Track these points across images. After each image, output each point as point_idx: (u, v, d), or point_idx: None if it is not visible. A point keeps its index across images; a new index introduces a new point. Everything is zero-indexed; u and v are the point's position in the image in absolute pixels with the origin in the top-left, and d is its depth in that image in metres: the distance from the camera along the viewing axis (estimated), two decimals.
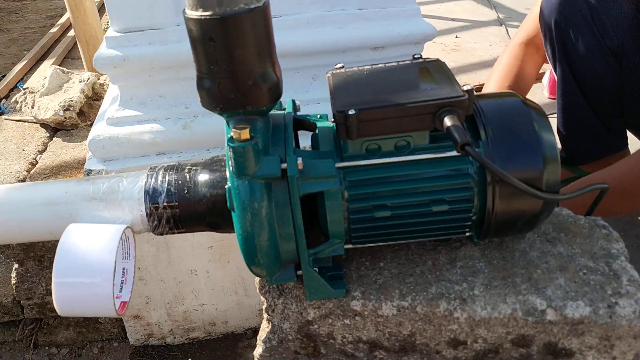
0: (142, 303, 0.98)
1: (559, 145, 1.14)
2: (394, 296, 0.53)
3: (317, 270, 0.52)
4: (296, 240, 0.49)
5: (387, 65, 0.52)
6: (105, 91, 1.26)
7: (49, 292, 1.04)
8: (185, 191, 0.53)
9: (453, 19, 2.29)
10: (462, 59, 1.91)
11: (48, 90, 1.25)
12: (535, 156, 0.47)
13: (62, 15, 2.31)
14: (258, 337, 0.61)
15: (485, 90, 1.07)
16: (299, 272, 0.53)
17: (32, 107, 1.26)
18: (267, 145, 0.48)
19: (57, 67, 1.31)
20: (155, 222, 0.55)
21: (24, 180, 1.11)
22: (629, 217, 1.15)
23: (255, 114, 0.47)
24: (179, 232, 0.56)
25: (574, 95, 1.01)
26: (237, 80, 0.44)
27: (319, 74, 0.80)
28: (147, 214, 0.54)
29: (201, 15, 0.41)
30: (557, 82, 1.04)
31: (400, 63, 0.52)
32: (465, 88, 0.45)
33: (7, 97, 1.56)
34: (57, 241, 0.53)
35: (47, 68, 1.42)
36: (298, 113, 0.55)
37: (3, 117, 1.39)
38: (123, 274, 0.58)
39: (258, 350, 0.60)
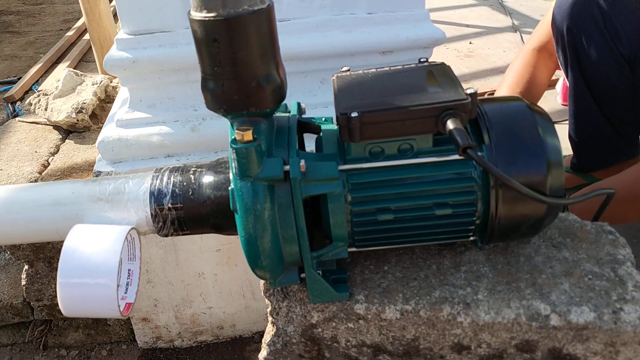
0: (150, 306, 0.98)
1: (570, 152, 1.13)
2: (398, 300, 0.53)
3: (320, 273, 0.52)
4: (299, 243, 0.50)
5: (391, 68, 0.52)
6: (118, 94, 1.28)
7: None
8: (190, 193, 0.53)
9: (467, 25, 2.28)
10: (475, 65, 1.91)
11: (61, 93, 1.27)
12: (539, 160, 0.47)
13: (78, 19, 2.35)
14: (263, 340, 0.61)
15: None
16: (303, 275, 0.53)
17: (46, 109, 1.28)
18: (270, 147, 0.48)
19: (71, 69, 1.33)
20: (160, 224, 0.55)
21: (35, 182, 1.13)
22: None
23: (259, 115, 0.47)
24: (183, 234, 0.57)
25: (586, 102, 1.00)
26: (241, 81, 0.44)
27: (327, 77, 0.81)
28: (152, 215, 0.54)
29: (205, 17, 0.42)
30: (569, 88, 1.03)
31: (405, 66, 0.52)
32: (468, 91, 0.45)
33: (22, 99, 1.59)
34: (63, 240, 0.54)
35: (62, 71, 1.44)
36: (303, 116, 0.55)
37: (17, 119, 1.42)
38: (128, 275, 0.59)
39: (262, 353, 0.60)
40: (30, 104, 1.33)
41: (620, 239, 0.55)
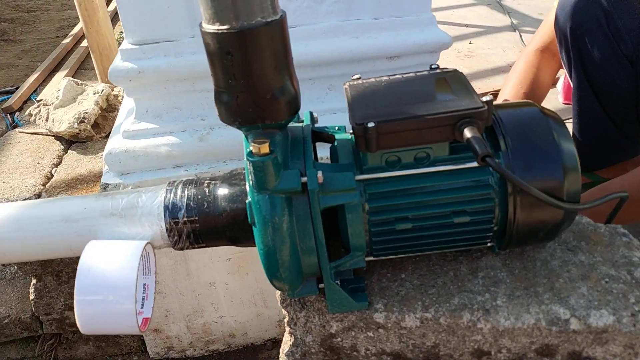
0: (161, 316, 0.98)
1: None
2: (417, 308, 0.53)
3: (338, 283, 0.52)
4: (318, 254, 0.49)
5: (404, 76, 0.52)
6: (120, 102, 1.27)
7: (67, 307, 1.05)
8: (205, 206, 0.53)
9: (467, 25, 2.28)
10: (476, 65, 1.91)
11: (62, 103, 1.27)
12: (555, 166, 0.47)
13: (74, 25, 2.33)
14: (281, 351, 0.61)
15: (501, 97, 1.07)
16: (321, 286, 0.53)
17: (47, 120, 1.27)
18: (286, 159, 0.48)
19: (71, 79, 1.33)
20: (176, 238, 0.55)
21: (39, 195, 1.13)
22: None
23: (273, 127, 0.47)
24: (199, 247, 0.56)
25: (590, 102, 1.00)
26: (255, 94, 0.44)
27: (335, 84, 0.80)
28: (167, 229, 0.54)
29: (218, 29, 0.42)
30: (572, 88, 1.03)
31: (417, 74, 0.52)
32: (484, 99, 0.45)
33: (20, 109, 1.59)
34: (75, 256, 0.54)
35: (61, 79, 1.44)
36: (316, 125, 0.55)
37: (17, 130, 1.41)
38: (144, 290, 0.58)
39: None
40: (31, 115, 1.32)
41: (635, 241, 0.55)
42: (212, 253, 0.88)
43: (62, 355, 1.10)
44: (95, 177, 1.13)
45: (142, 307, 0.57)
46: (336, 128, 0.55)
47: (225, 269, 0.90)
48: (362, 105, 0.48)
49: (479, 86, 1.71)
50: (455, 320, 0.51)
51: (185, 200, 0.54)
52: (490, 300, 0.52)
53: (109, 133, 0.86)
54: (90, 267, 0.52)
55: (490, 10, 2.49)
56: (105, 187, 0.80)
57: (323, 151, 0.75)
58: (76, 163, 1.21)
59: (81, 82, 1.33)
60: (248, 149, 0.46)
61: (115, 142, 0.80)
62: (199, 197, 0.54)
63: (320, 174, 0.46)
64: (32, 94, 1.69)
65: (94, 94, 1.23)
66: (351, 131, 0.55)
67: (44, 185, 1.17)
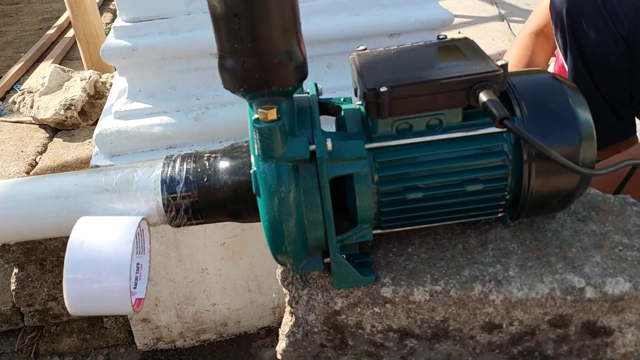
0: (150, 305, 0.95)
1: None
2: (426, 281, 0.51)
3: (345, 257, 0.50)
4: (325, 226, 0.48)
5: (414, 45, 0.50)
6: (108, 90, 1.23)
7: (51, 297, 1.01)
8: (205, 179, 0.51)
9: (455, 15, 2.29)
10: None
11: (48, 90, 1.22)
12: (571, 132, 0.45)
13: (58, 17, 2.27)
14: (280, 332, 0.59)
15: None
16: (326, 260, 0.51)
17: (31, 107, 1.23)
18: (293, 128, 0.46)
19: (57, 65, 1.28)
20: (173, 213, 0.52)
21: None
22: None
23: (280, 94, 0.45)
24: (197, 223, 0.54)
25: (585, 84, 1.00)
26: (262, 58, 0.42)
27: (335, 62, 0.79)
28: (164, 204, 0.52)
29: None
30: (567, 71, 1.03)
31: (427, 42, 0.50)
32: (499, 63, 0.43)
33: (3, 99, 1.53)
34: (63, 241, 0.51)
35: (46, 68, 1.39)
36: (321, 97, 0.53)
37: (0, 119, 1.36)
38: (137, 270, 0.56)
39: (281, 345, 0.58)
40: (14, 103, 1.28)
41: None
42: (206, 237, 0.86)
43: (44, 349, 1.06)
44: (83, 163, 1.10)
45: (135, 287, 0.54)
46: (342, 99, 0.53)
47: (219, 254, 0.88)
48: (373, 71, 0.46)
49: None
50: (467, 292, 0.50)
51: (184, 173, 0.52)
52: (502, 272, 0.51)
53: (97, 120, 0.83)
54: (81, 244, 0.50)
55: (477, 0, 2.50)
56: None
57: (328, 129, 0.73)
58: (62, 151, 1.17)
59: (67, 69, 1.29)
60: (254, 117, 0.44)
61: (107, 123, 0.77)
62: (199, 170, 0.51)
63: (329, 141, 0.44)
64: (15, 83, 1.63)
65: (81, 80, 1.19)
66: (358, 101, 0.53)
67: (27, 173, 1.12)
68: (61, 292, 0.52)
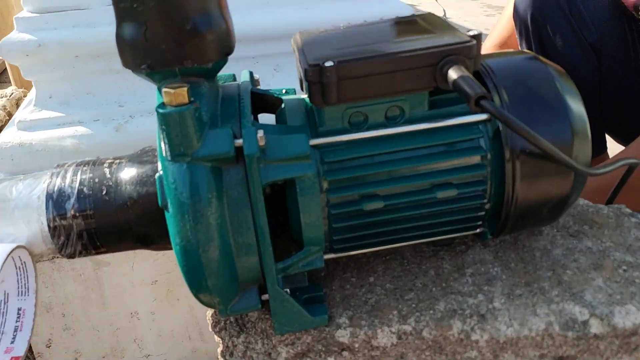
0: (69, 359, 0.79)
1: None
2: (392, 319, 0.40)
3: (288, 292, 0.39)
4: (259, 251, 0.36)
5: (368, 21, 0.42)
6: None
7: None
8: (104, 192, 0.39)
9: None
10: None
11: None
12: (562, 126, 0.37)
13: None
14: None
15: None
16: (264, 297, 0.39)
17: None
18: (214, 118, 0.35)
19: None
20: (63, 239, 0.40)
21: None
22: None
23: (197, 74, 0.35)
24: (97, 253, 0.42)
25: None
26: (170, 23, 0.32)
27: (283, 64, 0.69)
28: (49, 227, 0.39)
29: None
30: None
31: (384, 19, 0.42)
32: (471, 33, 0.35)
33: None
34: None
35: None
36: (258, 87, 0.43)
37: None
38: (18, 317, 0.42)
39: None
40: None
41: None
42: (134, 275, 0.72)
43: None
44: None
45: (12, 342, 0.41)
46: (283, 91, 0.43)
47: (151, 295, 0.74)
48: (318, 47, 0.37)
49: None
50: (443, 331, 0.39)
51: (77, 185, 0.39)
52: (485, 303, 0.40)
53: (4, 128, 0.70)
54: None
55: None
56: None
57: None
58: None
59: None
60: (160, 101, 0.33)
61: (8, 135, 0.64)
62: (96, 180, 0.39)
63: (261, 133, 0.34)
64: None
65: (1, 97, 1.05)
66: (303, 78, 0.43)
67: None
68: None
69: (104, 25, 0.62)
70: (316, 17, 0.67)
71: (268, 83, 0.68)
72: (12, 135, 0.64)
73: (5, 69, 1.61)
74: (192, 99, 0.33)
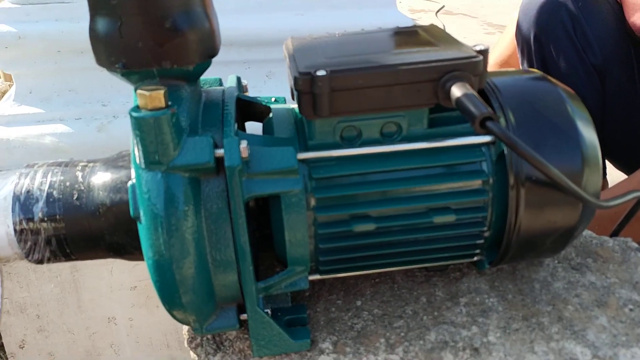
0: None
1: None
2: (379, 347, 0.37)
3: (269, 312, 0.36)
4: (238, 269, 0.34)
5: (366, 30, 0.39)
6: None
7: None
8: (75, 196, 0.36)
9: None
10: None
11: None
12: (572, 152, 0.34)
13: None
14: None
15: None
16: (243, 317, 0.36)
17: None
18: (194, 125, 0.33)
19: None
20: (30, 244, 0.37)
21: None
22: None
23: (177, 76, 0.32)
24: (67, 260, 0.39)
25: None
26: (148, 18, 0.29)
27: (275, 70, 0.67)
28: (15, 230, 0.36)
29: None
30: None
31: (383, 28, 0.39)
32: (477, 48, 0.32)
33: None
34: None
35: None
36: (246, 94, 0.41)
37: None
38: None
39: None
40: None
41: None
42: (112, 279, 0.70)
43: None
44: None
45: None
46: (273, 99, 0.41)
47: (129, 301, 0.71)
48: (310, 54, 0.34)
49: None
50: None
51: (47, 188, 0.37)
52: (479, 336, 0.38)
53: None
54: None
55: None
56: None
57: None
58: None
59: None
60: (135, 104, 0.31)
61: None
62: (67, 184, 0.37)
63: (244, 144, 0.31)
64: None
65: None
66: (293, 88, 0.40)
67: None
68: None
69: (87, 20, 0.60)
70: (311, 23, 0.65)
71: (259, 90, 0.65)
72: None
73: None
74: (169, 103, 0.30)
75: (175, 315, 0.36)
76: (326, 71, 0.31)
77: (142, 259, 0.38)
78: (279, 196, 0.33)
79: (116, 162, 0.38)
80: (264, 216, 0.38)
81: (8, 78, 1.23)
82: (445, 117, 0.35)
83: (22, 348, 0.74)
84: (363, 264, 0.37)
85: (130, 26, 0.29)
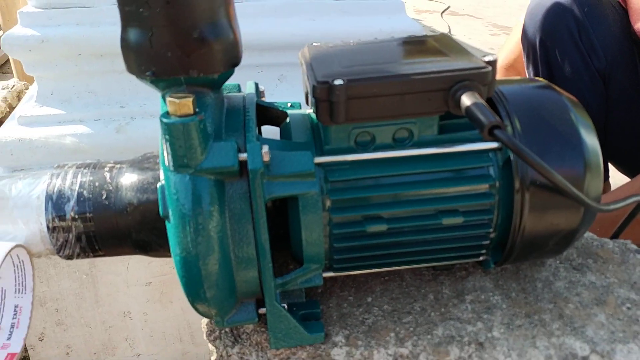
0: (61, 354, 0.79)
1: None
2: (389, 341, 0.39)
3: (286, 307, 0.39)
4: (259, 265, 0.36)
5: (378, 39, 0.41)
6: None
7: None
8: (104, 196, 0.38)
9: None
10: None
11: None
12: (575, 158, 0.36)
13: None
14: None
15: None
16: (262, 311, 0.39)
17: None
18: (219, 130, 0.35)
19: None
20: (61, 240, 0.39)
21: None
22: None
23: (203, 84, 0.34)
24: (95, 256, 0.41)
25: None
26: (177, 30, 0.31)
27: (287, 74, 0.69)
28: (48, 227, 0.39)
29: None
30: None
31: (395, 37, 0.41)
32: (487, 59, 0.34)
33: None
34: None
35: None
36: (263, 99, 0.43)
37: None
38: (15, 314, 0.42)
39: None
40: None
41: None
42: (129, 275, 0.72)
43: None
44: None
45: (8, 339, 0.41)
46: (288, 104, 0.43)
47: (144, 296, 0.74)
48: (327, 64, 0.36)
49: None
50: (440, 357, 0.39)
51: (77, 188, 0.39)
52: (484, 331, 0.40)
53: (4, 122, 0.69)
54: None
55: (429, 32, 2.52)
56: None
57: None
58: None
59: None
60: (164, 110, 0.33)
61: (8, 130, 0.63)
62: (96, 184, 0.39)
63: (266, 148, 0.33)
64: None
65: (2, 89, 1.05)
66: (311, 96, 0.42)
67: None
68: None
69: (107, 24, 0.62)
70: (323, 29, 0.66)
71: (272, 93, 0.67)
72: (12, 130, 0.63)
73: (8, 60, 1.61)
74: (197, 109, 0.32)
75: (198, 309, 0.38)
76: (343, 80, 0.33)
77: (165, 256, 0.41)
78: (296, 197, 0.35)
79: (142, 163, 0.40)
80: (279, 217, 0.40)
81: (23, 77, 1.25)
82: (455, 123, 0.37)
83: (41, 340, 0.76)
84: (374, 262, 0.39)
85: (160, 37, 0.31)
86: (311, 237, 0.36)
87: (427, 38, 0.40)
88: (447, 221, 0.36)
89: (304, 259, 0.38)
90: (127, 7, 0.31)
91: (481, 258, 0.41)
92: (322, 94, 0.33)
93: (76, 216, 0.38)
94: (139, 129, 0.64)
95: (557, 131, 0.36)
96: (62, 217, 0.38)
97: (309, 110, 0.42)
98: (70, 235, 0.39)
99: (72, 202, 0.39)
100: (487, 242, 0.39)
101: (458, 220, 0.37)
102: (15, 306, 0.42)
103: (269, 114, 0.43)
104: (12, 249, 0.38)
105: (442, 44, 0.38)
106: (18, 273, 0.41)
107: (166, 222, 0.34)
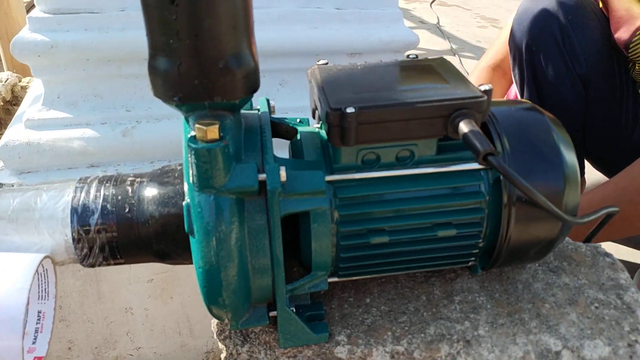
0: (63, 349, 0.81)
1: None
2: (387, 339, 0.44)
3: (294, 310, 0.42)
4: (273, 274, 0.39)
5: (383, 62, 0.44)
6: (29, 90, 1.08)
7: None
8: (127, 209, 0.41)
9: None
10: None
11: None
12: (556, 174, 0.41)
13: None
14: None
15: None
16: (272, 314, 0.42)
17: None
18: (239, 151, 0.38)
19: None
20: (85, 251, 0.42)
21: None
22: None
23: (224, 108, 0.37)
24: (116, 264, 0.44)
25: None
26: (204, 60, 0.34)
27: (288, 79, 0.71)
28: (74, 239, 0.41)
29: None
30: None
31: (399, 60, 0.44)
32: (483, 88, 0.38)
33: None
34: None
35: None
36: (273, 115, 0.46)
37: None
38: (38, 320, 0.44)
39: None
40: None
41: (618, 263, 0.51)
42: (131, 273, 0.74)
43: None
44: None
45: (33, 343, 0.43)
46: (298, 120, 0.46)
47: (146, 292, 0.76)
48: (338, 89, 0.39)
49: None
50: (432, 354, 0.43)
51: (101, 201, 0.42)
52: (471, 330, 0.44)
53: (9, 124, 0.70)
54: None
55: (430, 34, 2.56)
56: None
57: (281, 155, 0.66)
58: None
59: None
60: (189, 134, 0.36)
61: (15, 133, 0.65)
62: (119, 197, 0.42)
63: (283, 170, 0.36)
64: None
65: None
66: (317, 124, 0.46)
67: None
68: None
69: (116, 30, 0.63)
70: (324, 36, 0.69)
71: (273, 97, 0.70)
72: (19, 133, 0.64)
73: None
74: (222, 134, 0.35)
75: (213, 312, 0.42)
76: (354, 108, 0.36)
77: (182, 263, 0.44)
78: (308, 213, 0.39)
79: (162, 177, 0.43)
80: (286, 226, 0.43)
81: (14, 68, 1.24)
82: (451, 144, 0.41)
83: None
84: (375, 269, 0.43)
85: (188, 66, 0.34)
86: (320, 247, 0.40)
87: (428, 62, 0.43)
88: (442, 233, 0.41)
89: (313, 267, 0.42)
90: (157, 38, 0.34)
91: (470, 264, 0.45)
92: (335, 120, 0.36)
93: (100, 228, 0.41)
94: (144, 132, 0.66)
95: (541, 151, 0.41)
96: (86, 229, 0.41)
97: (316, 126, 0.45)
98: (94, 246, 0.42)
99: (96, 215, 0.41)
100: (477, 250, 0.43)
101: (451, 232, 0.41)
102: (39, 312, 0.44)
103: (279, 128, 0.46)
104: (42, 259, 0.40)
105: (443, 69, 0.42)
106: (42, 281, 0.43)
107: (190, 237, 0.37)
